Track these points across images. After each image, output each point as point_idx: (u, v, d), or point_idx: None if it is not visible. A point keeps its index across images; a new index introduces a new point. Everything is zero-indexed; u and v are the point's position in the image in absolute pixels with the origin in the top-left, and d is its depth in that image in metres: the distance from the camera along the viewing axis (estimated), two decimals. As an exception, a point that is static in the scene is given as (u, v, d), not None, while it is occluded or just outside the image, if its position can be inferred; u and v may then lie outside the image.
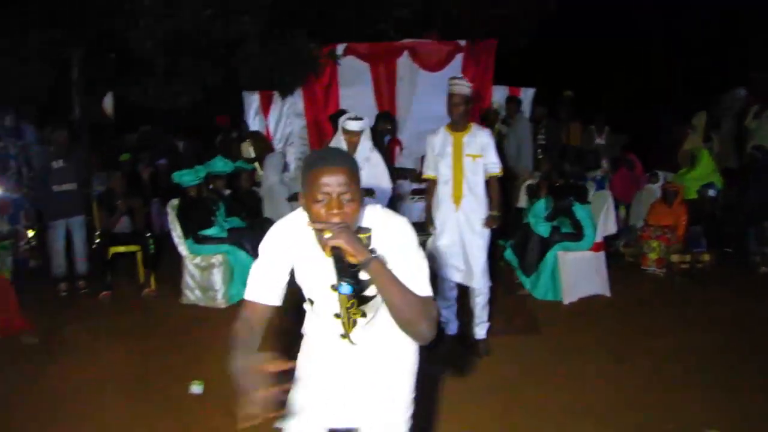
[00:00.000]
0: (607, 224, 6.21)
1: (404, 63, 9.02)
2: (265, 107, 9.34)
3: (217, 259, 6.05)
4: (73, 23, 7.93)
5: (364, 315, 2.17)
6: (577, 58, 12.20)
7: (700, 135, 8.94)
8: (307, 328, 2.40)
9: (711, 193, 7.04)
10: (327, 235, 1.84)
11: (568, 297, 5.92)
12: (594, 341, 4.99)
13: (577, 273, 6.00)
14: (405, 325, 1.91)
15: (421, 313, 1.89)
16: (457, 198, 4.53)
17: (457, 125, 4.49)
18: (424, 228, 4.85)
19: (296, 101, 9.29)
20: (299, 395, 2.30)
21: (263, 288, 2.10)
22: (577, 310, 5.79)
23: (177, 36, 8.12)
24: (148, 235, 6.60)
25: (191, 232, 6.11)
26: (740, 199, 7.59)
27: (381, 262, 1.89)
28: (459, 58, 9.11)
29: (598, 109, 9.79)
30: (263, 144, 8.81)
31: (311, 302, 2.21)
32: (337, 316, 2.19)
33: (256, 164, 8.41)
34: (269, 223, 6.64)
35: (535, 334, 5.09)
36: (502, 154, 8.55)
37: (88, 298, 6.29)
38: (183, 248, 6.09)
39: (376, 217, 2.07)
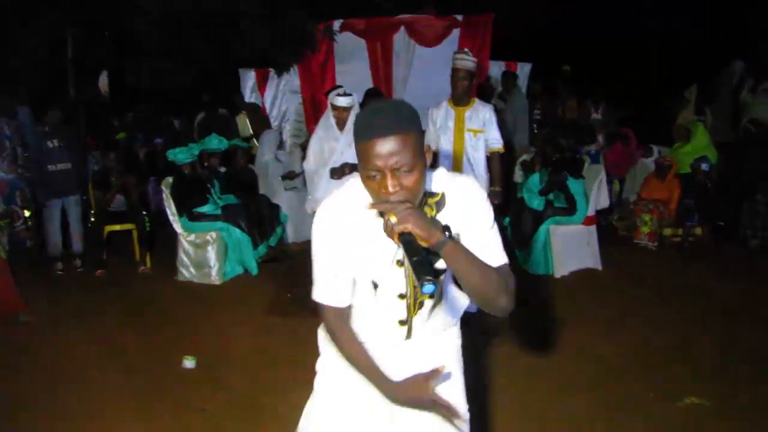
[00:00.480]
0: (599, 198, 6.25)
1: (401, 38, 8.96)
2: (261, 85, 9.33)
3: (212, 236, 6.09)
4: (68, 3, 7.91)
5: (431, 295, 1.71)
6: (575, 33, 12.10)
7: (692, 109, 8.90)
8: (356, 324, 1.95)
9: (704, 166, 7.04)
10: (392, 219, 1.53)
11: (560, 270, 5.96)
12: (584, 314, 5.04)
13: (569, 247, 6.04)
14: (483, 302, 1.70)
15: (499, 287, 1.67)
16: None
17: (460, 100, 4.49)
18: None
19: (292, 78, 9.27)
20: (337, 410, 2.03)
21: (340, 288, 1.85)
22: (568, 284, 5.84)
23: (172, 15, 8.10)
24: (144, 213, 6.66)
25: (186, 210, 6.15)
26: (734, 173, 7.59)
27: (456, 242, 1.61)
28: (456, 33, 9.05)
29: (595, 83, 9.74)
30: (260, 119, 8.81)
31: (375, 286, 1.85)
32: (402, 296, 1.86)
33: (254, 140, 8.44)
34: (264, 199, 6.76)
35: (523, 308, 5.12)
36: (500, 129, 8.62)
37: (84, 277, 6.35)
38: (177, 226, 6.13)
39: (442, 179, 1.79)
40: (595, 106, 9.43)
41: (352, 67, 8.98)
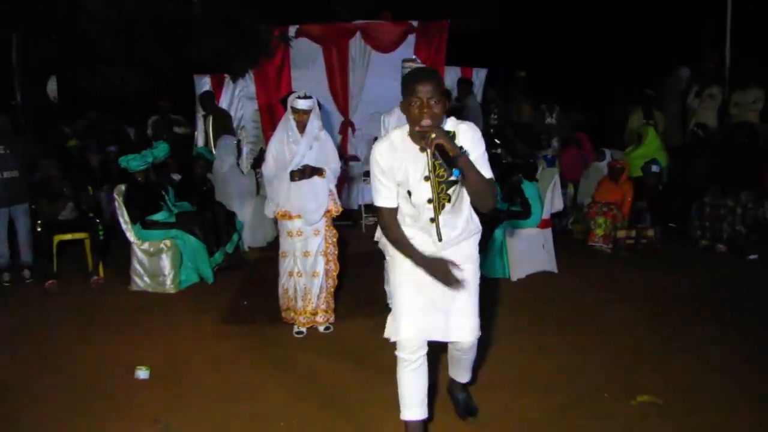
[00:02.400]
0: (554, 201, 6.32)
1: (356, 44, 9.00)
2: (217, 90, 9.24)
3: (166, 244, 5.99)
4: (13, 4, 7.70)
5: (449, 200, 2.84)
6: (530, 39, 12.27)
7: (641, 113, 9.11)
8: (404, 215, 2.96)
9: (654, 168, 7.19)
10: (432, 135, 2.58)
11: (516, 274, 6.02)
12: (540, 317, 5.10)
13: (525, 250, 6.10)
14: (478, 199, 2.77)
15: (490, 192, 2.73)
16: None
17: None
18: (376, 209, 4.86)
19: (248, 84, 9.23)
20: (406, 295, 2.98)
21: (391, 195, 2.88)
22: (524, 287, 5.90)
23: (124, 19, 7.95)
24: (97, 221, 6.52)
25: (139, 218, 6.04)
26: (683, 175, 7.79)
27: (467, 156, 2.67)
28: (411, 39, 9.13)
29: (550, 89, 9.88)
30: (224, 125, 8.72)
31: (409, 194, 2.84)
32: (430, 201, 2.83)
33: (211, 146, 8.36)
34: (220, 206, 6.68)
35: (481, 311, 5.16)
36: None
37: (33, 288, 6.19)
38: (130, 234, 6.02)
39: (453, 124, 2.82)
40: (550, 111, 9.58)
41: (308, 72, 8.97)
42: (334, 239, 4.84)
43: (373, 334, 4.61)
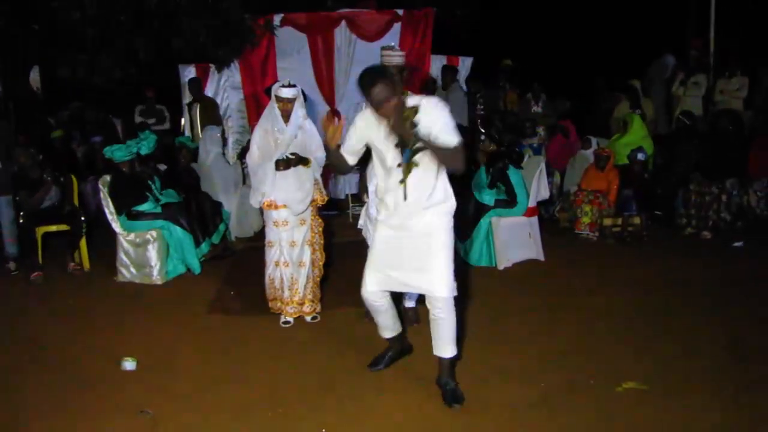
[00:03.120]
0: (539, 189, 6.33)
1: (342, 33, 8.94)
2: (202, 80, 9.18)
3: (152, 234, 5.96)
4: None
5: (417, 164, 3.30)
6: (516, 27, 12.28)
7: (627, 102, 9.16)
8: (379, 180, 3.52)
9: (640, 156, 7.22)
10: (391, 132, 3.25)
11: (502, 262, 6.04)
12: (526, 304, 5.12)
13: (511, 238, 6.12)
14: (446, 165, 3.30)
15: (454, 157, 3.22)
16: None
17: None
18: (358, 197, 4.86)
19: (233, 74, 9.17)
20: (375, 249, 3.55)
21: (351, 151, 3.50)
22: (510, 275, 5.92)
23: (106, 7, 7.87)
24: (80, 212, 6.47)
25: (124, 209, 6.00)
26: (669, 163, 7.83)
27: (422, 138, 3.17)
28: (397, 27, 9.07)
29: (536, 77, 9.90)
30: (212, 116, 8.68)
31: (383, 160, 3.38)
32: (399, 165, 3.32)
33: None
34: (206, 197, 6.65)
35: (467, 300, 5.18)
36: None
37: (18, 280, 6.14)
38: (116, 225, 5.98)
39: (416, 99, 3.32)
40: (536, 100, 9.59)
41: (293, 61, 8.92)
42: (320, 229, 4.83)
43: (360, 323, 4.64)
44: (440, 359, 3.56)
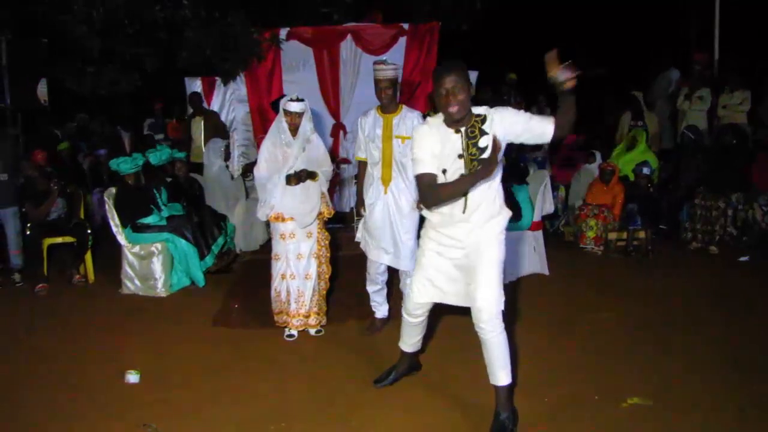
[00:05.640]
0: (544, 203, 6.34)
1: (347, 47, 8.96)
2: (208, 93, 9.22)
3: (157, 247, 5.98)
4: (1, 7, 7.67)
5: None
6: (521, 41, 12.31)
7: (629, 116, 9.16)
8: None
9: (645, 171, 7.22)
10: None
11: (507, 276, 6.00)
12: (530, 319, 5.10)
13: (516, 252, 6.10)
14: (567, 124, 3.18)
15: (565, 120, 3.15)
16: (386, 180, 4.57)
17: (387, 107, 4.52)
18: (356, 211, 4.90)
19: (239, 87, 9.18)
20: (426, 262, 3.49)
21: (431, 165, 3.24)
22: (515, 289, 5.88)
23: (113, 20, 7.92)
24: (87, 225, 6.49)
25: (129, 221, 6.02)
26: (674, 177, 7.83)
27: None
28: (402, 41, 9.09)
29: (540, 90, 9.92)
30: (216, 127, 8.70)
31: (444, 172, 3.26)
32: (463, 176, 3.20)
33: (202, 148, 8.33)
34: (209, 210, 6.66)
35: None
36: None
37: (23, 292, 6.15)
38: (121, 237, 6.01)
39: (484, 109, 3.26)
40: (540, 113, 9.59)
41: (299, 75, 8.94)
42: (327, 242, 4.84)
43: (364, 336, 4.64)
44: (495, 389, 3.40)
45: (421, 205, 3.65)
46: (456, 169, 3.23)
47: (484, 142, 3.20)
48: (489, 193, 3.29)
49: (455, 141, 3.23)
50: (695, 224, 7.08)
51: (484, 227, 3.31)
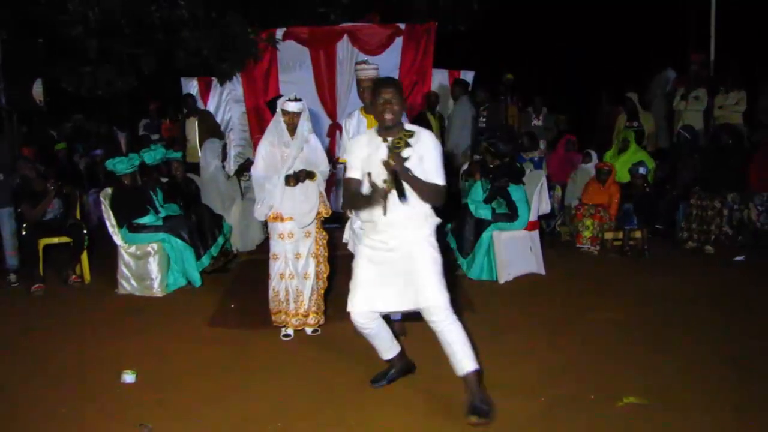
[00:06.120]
0: (540, 203, 6.35)
1: (344, 47, 8.99)
2: (204, 94, 9.24)
3: (153, 247, 5.98)
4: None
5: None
6: (518, 41, 12.34)
7: (624, 116, 9.18)
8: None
9: (641, 171, 7.23)
10: (391, 162, 3.24)
11: (504, 276, 6.03)
12: (526, 319, 5.12)
13: (512, 252, 6.12)
14: (423, 199, 3.41)
15: (433, 195, 3.41)
16: None
17: (370, 108, 4.50)
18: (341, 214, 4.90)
19: (235, 87, 9.22)
20: (361, 272, 3.62)
21: (357, 171, 3.48)
22: (511, 289, 5.91)
23: (108, 21, 7.92)
24: (83, 225, 6.49)
25: (126, 221, 6.01)
26: (671, 177, 7.84)
27: (412, 175, 3.30)
28: (399, 41, 9.12)
29: (537, 91, 9.93)
30: (210, 127, 8.70)
31: (369, 175, 3.38)
32: (385, 181, 3.31)
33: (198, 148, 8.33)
34: (207, 209, 6.66)
35: (468, 313, 5.17)
36: (441, 136, 8.69)
37: (19, 293, 6.15)
38: (117, 238, 6.00)
39: (415, 128, 3.51)
40: (536, 114, 9.61)
41: (295, 75, 8.97)
42: (324, 241, 4.85)
43: (361, 335, 4.63)
44: (464, 378, 3.46)
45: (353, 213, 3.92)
46: (378, 174, 3.36)
47: (406, 153, 3.37)
48: (411, 200, 3.41)
49: (382, 149, 3.40)
50: (691, 224, 7.10)
51: (411, 232, 3.47)
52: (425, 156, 3.41)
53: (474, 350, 3.49)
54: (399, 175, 3.25)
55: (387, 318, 4.09)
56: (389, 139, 3.44)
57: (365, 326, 3.65)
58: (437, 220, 3.57)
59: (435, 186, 3.41)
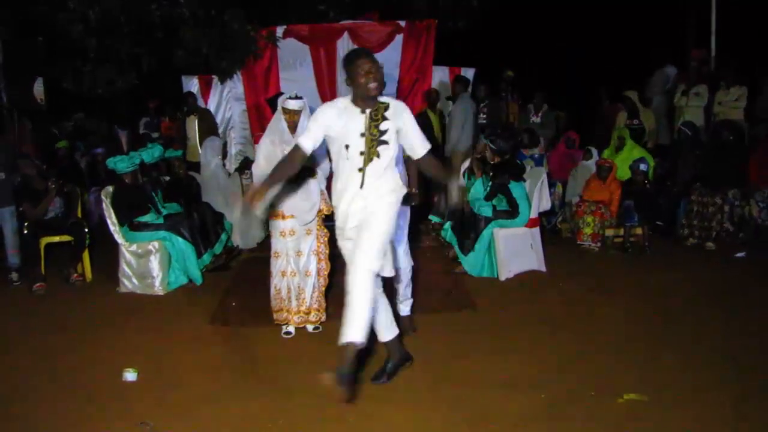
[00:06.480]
0: (541, 200, 6.35)
1: (344, 44, 8.99)
2: (205, 92, 9.24)
3: (154, 245, 5.98)
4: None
5: (378, 155, 3.45)
6: (518, 38, 12.33)
7: (624, 114, 9.17)
8: (337, 169, 3.62)
9: (642, 167, 7.23)
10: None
11: (504, 273, 6.03)
12: (527, 316, 5.12)
13: (513, 249, 6.12)
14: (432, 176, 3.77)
15: (439, 171, 3.69)
16: None
17: None
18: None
19: (236, 85, 9.22)
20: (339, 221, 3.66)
21: (311, 143, 3.48)
22: (512, 286, 5.91)
23: (108, 19, 7.93)
24: (84, 224, 6.50)
25: (127, 220, 6.02)
26: (671, 173, 7.83)
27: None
28: (399, 38, 9.14)
29: (538, 87, 9.92)
30: (209, 125, 8.70)
31: (347, 147, 3.45)
32: (362, 153, 3.44)
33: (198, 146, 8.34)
34: (207, 207, 6.67)
35: (469, 311, 5.19)
36: (442, 133, 8.69)
37: (21, 291, 6.16)
38: (118, 236, 6.00)
39: (387, 98, 3.54)
40: (536, 110, 9.60)
41: (296, 73, 8.98)
42: (325, 238, 4.84)
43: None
44: (345, 345, 3.34)
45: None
46: (357, 146, 3.45)
47: (385, 126, 3.45)
48: (388, 169, 3.52)
49: (359, 120, 3.46)
50: (692, 220, 7.08)
51: (379, 199, 3.50)
52: (406, 128, 3.52)
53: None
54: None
55: (396, 314, 4.12)
56: (367, 111, 3.46)
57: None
58: (403, 191, 3.64)
59: (440, 164, 3.70)
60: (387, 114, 3.47)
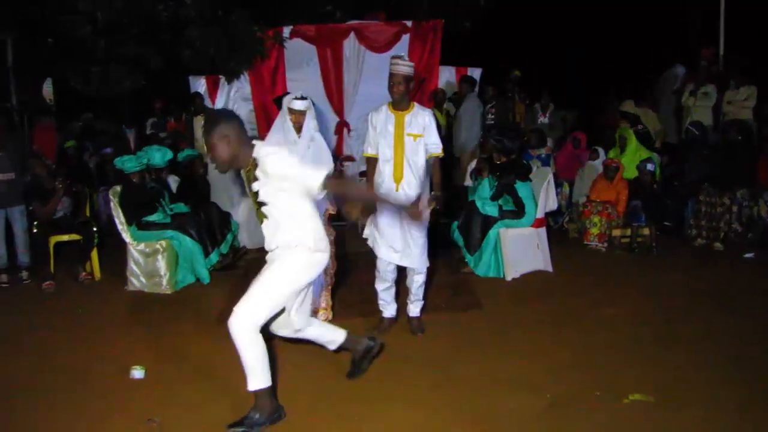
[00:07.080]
0: (548, 200, 6.34)
1: (351, 44, 9.01)
2: (212, 92, 9.27)
3: (162, 244, 6.01)
4: (7, 7, 7.72)
5: (266, 216, 3.48)
6: (525, 38, 12.32)
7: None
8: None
9: (649, 167, 7.21)
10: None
11: (511, 273, 6.03)
12: (534, 315, 5.11)
13: (519, 249, 6.11)
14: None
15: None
16: (397, 178, 4.49)
17: (399, 104, 4.46)
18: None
19: (243, 85, 9.24)
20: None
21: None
22: (518, 286, 5.91)
23: (116, 20, 7.97)
24: (93, 223, 6.54)
25: (134, 219, 6.05)
26: (679, 173, 7.81)
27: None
28: (405, 39, 9.13)
29: (544, 88, 9.91)
30: None
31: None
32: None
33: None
34: (214, 207, 6.69)
35: (475, 311, 5.19)
36: (449, 133, 8.69)
37: (30, 289, 6.20)
38: (126, 235, 6.04)
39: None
40: (543, 110, 9.59)
41: (302, 73, 8.99)
42: (332, 238, 4.85)
43: (369, 332, 4.64)
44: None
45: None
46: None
47: (256, 186, 3.37)
48: (284, 223, 3.40)
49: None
50: (700, 221, 7.06)
51: (281, 250, 3.44)
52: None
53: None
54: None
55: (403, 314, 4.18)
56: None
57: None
58: (306, 252, 3.47)
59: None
60: (257, 173, 3.37)
